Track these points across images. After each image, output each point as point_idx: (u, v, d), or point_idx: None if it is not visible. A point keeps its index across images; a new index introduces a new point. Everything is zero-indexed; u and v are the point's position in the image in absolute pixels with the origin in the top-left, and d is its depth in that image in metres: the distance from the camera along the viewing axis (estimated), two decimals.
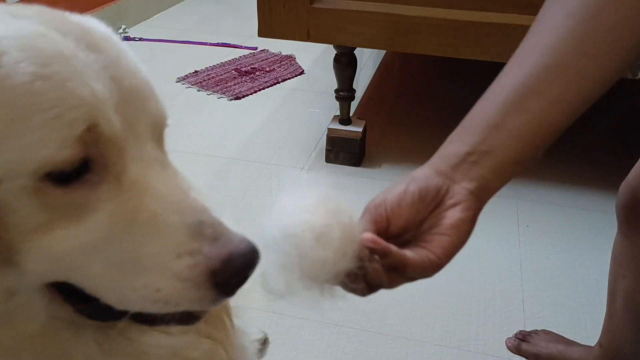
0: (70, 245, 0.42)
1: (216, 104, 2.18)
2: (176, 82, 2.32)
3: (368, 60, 2.53)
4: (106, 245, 0.42)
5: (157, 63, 2.49)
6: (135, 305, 0.44)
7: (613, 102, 2.08)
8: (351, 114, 1.79)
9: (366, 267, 0.54)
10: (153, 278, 0.43)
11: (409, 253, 0.55)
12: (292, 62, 2.51)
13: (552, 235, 1.54)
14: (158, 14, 3.05)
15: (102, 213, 0.42)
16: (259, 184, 1.72)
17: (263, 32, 1.61)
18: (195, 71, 2.40)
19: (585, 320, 1.28)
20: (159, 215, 0.43)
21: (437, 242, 0.56)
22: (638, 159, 0.86)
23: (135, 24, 2.88)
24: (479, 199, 0.58)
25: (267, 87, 2.30)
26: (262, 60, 2.51)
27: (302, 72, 2.42)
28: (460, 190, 0.57)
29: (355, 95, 1.78)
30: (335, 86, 1.74)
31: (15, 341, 0.46)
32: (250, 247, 0.44)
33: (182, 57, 2.56)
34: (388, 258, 0.54)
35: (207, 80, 2.33)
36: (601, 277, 1.34)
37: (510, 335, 1.23)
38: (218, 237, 0.44)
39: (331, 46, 1.70)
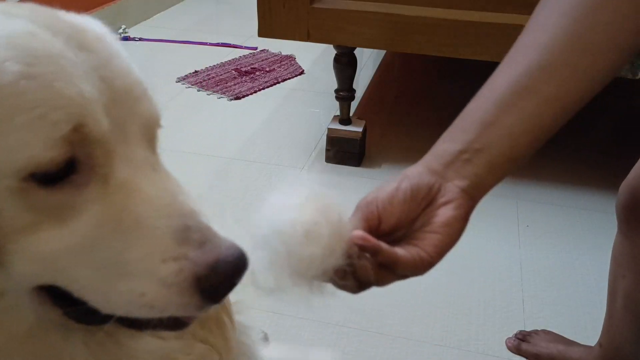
0: (56, 247, 0.41)
1: (216, 104, 2.18)
2: (176, 82, 2.32)
3: (368, 60, 2.53)
4: (92, 248, 0.42)
5: (157, 63, 2.49)
6: (121, 309, 0.43)
7: (613, 102, 2.08)
8: (351, 114, 1.79)
9: (355, 265, 0.54)
10: (138, 283, 0.42)
11: (400, 251, 0.55)
12: (292, 62, 2.51)
13: (552, 235, 1.54)
14: (158, 14, 3.05)
15: (88, 215, 0.41)
16: (259, 184, 1.72)
17: (263, 32, 1.61)
18: (195, 71, 2.40)
19: (585, 320, 1.28)
20: (145, 218, 0.42)
21: (428, 240, 0.56)
22: (638, 159, 0.86)
23: (135, 24, 2.88)
24: (472, 197, 0.57)
25: (267, 87, 2.30)
26: (262, 60, 2.51)
27: (302, 72, 2.42)
28: (453, 188, 0.57)
29: (355, 95, 1.78)
30: (335, 86, 1.74)
31: (4, 342, 0.46)
32: (238, 254, 0.43)
33: (182, 57, 2.56)
34: (379, 256, 0.54)
35: (207, 80, 2.33)
36: (601, 277, 1.34)
37: (510, 335, 1.23)
38: (205, 242, 0.43)
39: (331, 46, 1.70)
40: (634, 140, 1.89)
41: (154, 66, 2.45)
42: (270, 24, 1.59)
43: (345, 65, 1.70)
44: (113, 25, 0.49)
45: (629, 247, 0.90)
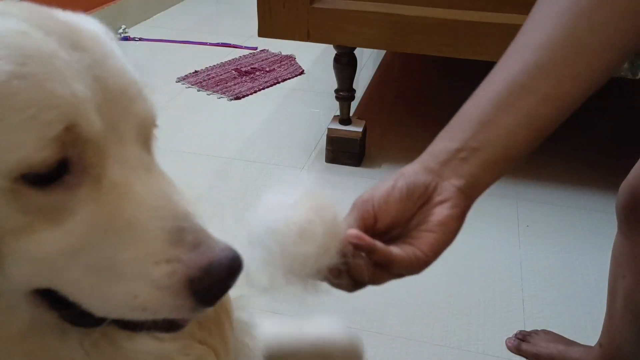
0: (49, 249, 0.41)
1: (216, 104, 2.18)
2: (176, 82, 2.32)
3: (368, 60, 2.53)
4: (85, 250, 0.41)
5: (157, 63, 2.49)
6: (114, 311, 0.43)
7: (613, 102, 2.08)
8: (351, 114, 1.79)
9: (350, 264, 0.54)
10: (131, 285, 0.41)
11: (395, 249, 0.55)
12: (292, 62, 2.51)
13: (552, 235, 1.54)
14: (158, 14, 3.05)
15: (80, 216, 0.41)
16: (259, 184, 1.72)
17: (263, 32, 1.61)
18: (195, 71, 2.40)
19: (585, 320, 1.28)
20: (137, 220, 0.41)
21: (424, 238, 0.56)
22: (638, 159, 0.86)
23: (135, 24, 2.88)
24: (468, 196, 0.57)
25: (267, 87, 2.30)
26: (262, 60, 2.51)
27: (302, 72, 2.42)
28: (449, 187, 0.57)
29: (355, 95, 1.78)
30: (335, 86, 1.74)
31: (0, 343, 0.46)
32: (232, 256, 0.43)
33: (182, 57, 2.57)
34: (374, 254, 0.54)
35: (207, 80, 2.33)
36: (601, 277, 1.34)
37: (510, 335, 1.23)
38: (199, 244, 0.42)
39: (331, 46, 1.70)
40: (634, 140, 1.89)
41: (154, 66, 2.45)
42: (270, 24, 1.59)
43: (345, 65, 1.70)
44: (113, 25, 0.48)
45: (629, 247, 0.90)
